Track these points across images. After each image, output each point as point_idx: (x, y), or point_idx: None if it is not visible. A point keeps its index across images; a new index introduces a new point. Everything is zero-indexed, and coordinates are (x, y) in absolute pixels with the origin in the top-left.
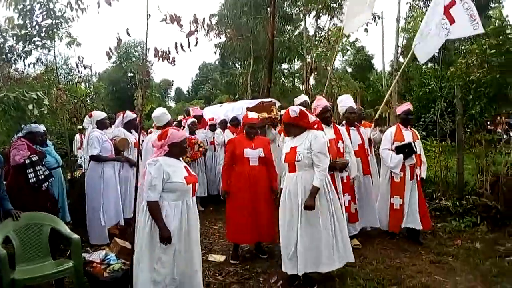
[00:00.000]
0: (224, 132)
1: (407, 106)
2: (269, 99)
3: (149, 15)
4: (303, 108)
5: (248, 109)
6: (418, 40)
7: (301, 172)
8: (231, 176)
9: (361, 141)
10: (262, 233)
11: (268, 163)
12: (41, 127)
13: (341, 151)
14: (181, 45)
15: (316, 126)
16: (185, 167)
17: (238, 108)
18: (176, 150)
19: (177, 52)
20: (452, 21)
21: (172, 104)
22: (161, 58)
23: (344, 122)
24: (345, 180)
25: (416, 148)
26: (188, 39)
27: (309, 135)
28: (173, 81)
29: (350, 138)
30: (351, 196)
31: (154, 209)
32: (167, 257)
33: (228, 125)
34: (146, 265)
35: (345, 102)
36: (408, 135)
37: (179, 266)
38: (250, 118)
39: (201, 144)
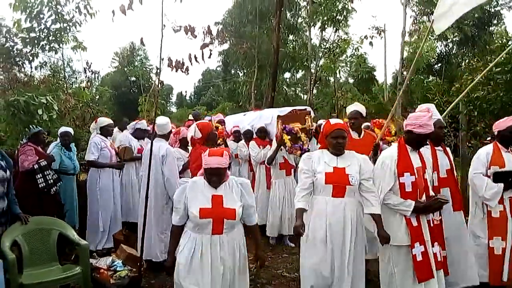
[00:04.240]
0: (248, 144)
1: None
2: (303, 107)
3: (164, 25)
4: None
5: (280, 117)
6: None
7: (348, 199)
8: None
9: (449, 165)
10: None
11: None
12: (67, 129)
13: (428, 184)
14: (195, 56)
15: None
16: (216, 196)
17: (267, 117)
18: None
19: (191, 63)
20: None
21: (173, 109)
22: (175, 68)
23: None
24: (432, 224)
25: None
26: (202, 51)
27: (355, 156)
28: (185, 91)
29: (436, 162)
30: (440, 243)
31: (172, 232)
32: None
33: (254, 136)
34: None
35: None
36: (510, 158)
37: None
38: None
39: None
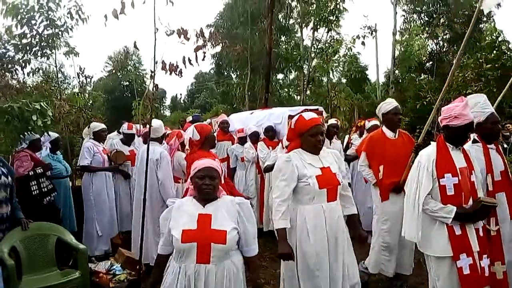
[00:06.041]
0: (256, 146)
1: None
2: (315, 107)
3: (157, 29)
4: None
5: (291, 117)
6: None
7: (338, 201)
8: None
9: (503, 166)
10: None
11: None
12: (55, 134)
13: (475, 188)
14: (189, 59)
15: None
16: (203, 215)
17: (277, 116)
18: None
19: (185, 66)
20: None
21: (167, 113)
22: (169, 71)
23: (474, 136)
24: (481, 234)
25: None
26: (196, 54)
27: (327, 151)
28: (180, 94)
29: (490, 163)
30: (497, 257)
31: (155, 262)
32: None
33: (262, 136)
34: None
35: (484, 105)
36: None
37: None
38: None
39: None
